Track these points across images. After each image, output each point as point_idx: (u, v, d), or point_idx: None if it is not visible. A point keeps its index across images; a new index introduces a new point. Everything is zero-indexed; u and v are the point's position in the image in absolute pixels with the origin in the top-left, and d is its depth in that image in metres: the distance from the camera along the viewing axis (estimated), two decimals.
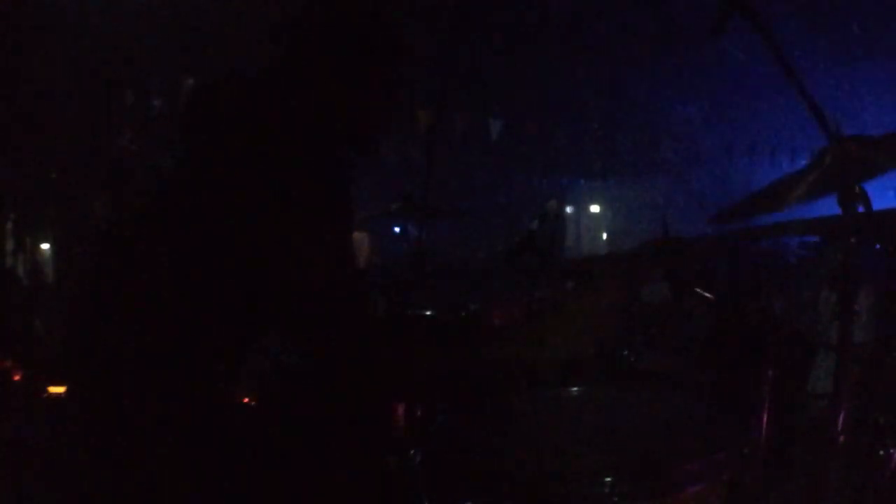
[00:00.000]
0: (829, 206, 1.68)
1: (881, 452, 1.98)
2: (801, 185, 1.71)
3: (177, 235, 1.34)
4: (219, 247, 1.30)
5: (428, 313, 3.10)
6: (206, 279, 1.31)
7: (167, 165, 1.45)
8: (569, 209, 13.81)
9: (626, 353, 2.46)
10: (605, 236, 13.82)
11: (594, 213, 14.31)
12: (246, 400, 2.82)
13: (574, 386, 1.75)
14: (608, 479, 1.26)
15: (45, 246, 14.20)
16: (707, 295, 2.10)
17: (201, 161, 1.38)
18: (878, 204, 1.70)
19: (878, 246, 2.31)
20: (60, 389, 3.34)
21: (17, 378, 3.54)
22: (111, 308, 1.37)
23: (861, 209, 1.61)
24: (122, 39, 6.75)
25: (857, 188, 1.61)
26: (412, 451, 2.00)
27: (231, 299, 1.32)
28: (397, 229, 3.51)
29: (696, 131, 10.90)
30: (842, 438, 1.69)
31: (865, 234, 1.69)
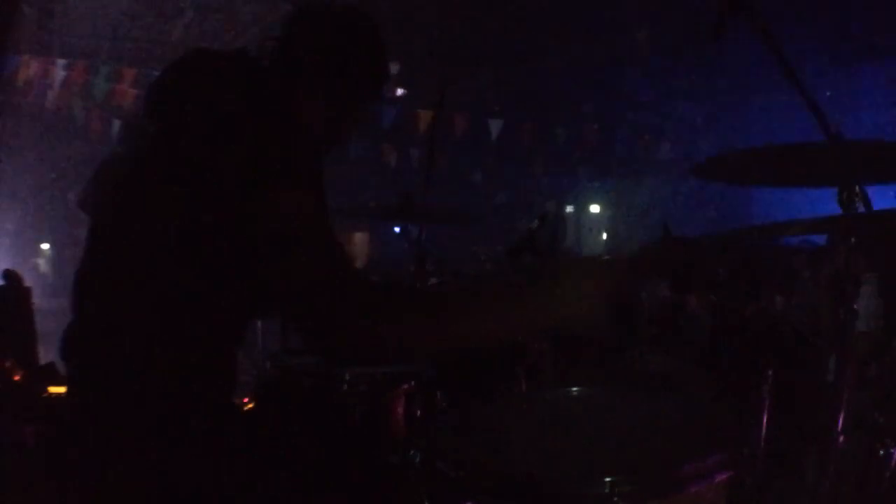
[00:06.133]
0: (829, 206, 1.68)
1: (881, 452, 1.98)
2: None
3: (155, 220, 1.31)
4: (199, 227, 1.28)
5: None
6: (189, 264, 1.29)
7: (138, 148, 1.43)
8: (569, 209, 13.82)
9: (627, 353, 2.46)
10: (604, 236, 13.81)
11: (594, 213, 14.31)
12: (245, 400, 2.83)
13: (574, 386, 1.75)
14: (608, 479, 1.26)
15: (45, 246, 14.22)
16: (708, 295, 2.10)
17: (171, 139, 1.35)
18: (879, 204, 1.70)
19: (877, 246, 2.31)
20: (61, 389, 3.34)
21: (17, 378, 3.54)
22: (101, 302, 1.36)
23: (861, 209, 1.61)
24: None
25: (857, 188, 1.61)
26: (412, 451, 2.00)
27: (220, 285, 1.30)
28: (397, 229, 3.50)
29: (697, 131, 10.91)
30: (842, 438, 1.69)
31: (865, 234, 1.69)
